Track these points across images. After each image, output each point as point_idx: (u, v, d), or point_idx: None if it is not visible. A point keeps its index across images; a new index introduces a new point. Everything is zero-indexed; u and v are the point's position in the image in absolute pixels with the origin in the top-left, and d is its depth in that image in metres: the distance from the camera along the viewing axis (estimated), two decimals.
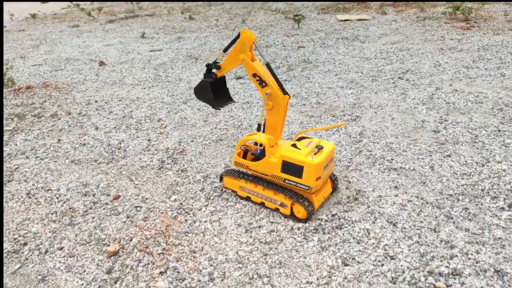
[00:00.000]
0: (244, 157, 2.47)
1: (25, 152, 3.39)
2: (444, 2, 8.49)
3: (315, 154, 2.20)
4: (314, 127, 3.48)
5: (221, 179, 2.66)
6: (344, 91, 4.25)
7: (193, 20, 9.65)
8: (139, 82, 5.09)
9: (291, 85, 4.57)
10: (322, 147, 2.24)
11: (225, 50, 2.29)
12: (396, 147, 3.05)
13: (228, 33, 7.71)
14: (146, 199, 2.63)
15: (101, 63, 6.22)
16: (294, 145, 2.30)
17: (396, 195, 2.49)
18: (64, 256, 2.17)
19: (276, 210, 2.37)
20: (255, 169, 2.38)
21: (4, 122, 4.02)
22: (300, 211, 2.25)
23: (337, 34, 6.71)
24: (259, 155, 2.33)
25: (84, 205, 2.60)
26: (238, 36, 2.18)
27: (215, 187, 2.70)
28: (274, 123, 2.30)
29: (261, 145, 2.34)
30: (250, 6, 10.88)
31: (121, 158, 3.18)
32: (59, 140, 3.57)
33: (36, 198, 2.71)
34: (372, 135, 3.27)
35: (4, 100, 4.72)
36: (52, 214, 2.54)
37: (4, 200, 2.72)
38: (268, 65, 2.20)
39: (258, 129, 2.40)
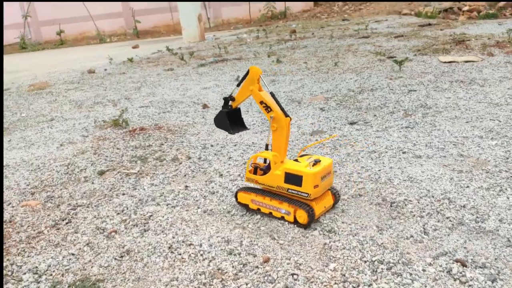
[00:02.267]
0: (255, 173, 2.81)
1: (155, 199, 3.26)
2: None
3: (313, 165, 2.54)
4: (466, 183, 3.01)
5: (236, 196, 2.94)
6: (486, 141, 3.74)
7: (281, 63, 9.63)
8: (248, 126, 4.93)
9: (416, 132, 4.15)
10: (320, 161, 2.57)
11: (238, 84, 2.71)
12: None
13: (322, 76, 7.50)
14: (300, 264, 2.31)
15: (204, 106, 6.23)
16: (296, 160, 2.69)
17: None
18: None
19: (282, 218, 2.71)
20: (263, 182, 2.75)
21: (129, 164, 3.99)
22: (302, 216, 2.56)
23: (448, 76, 6.20)
24: (266, 169, 2.72)
25: (233, 267, 2.34)
26: (247, 72, 2.59)
27: (378, 255, 2.31)
28: (278, 142, 2.65)
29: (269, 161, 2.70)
30: (337, 49, 10.70)
31: (255, 211, 2.92)
32: (186, 186, 3.43)
33: (180, 254, 2.50)
34: None
35: (122, 141, 4.78)
36: (200, 275, 2.30)
37: (146, 253, 2.55)
38: (272, 94, 2.58)
39: (266, 148, 2.81)
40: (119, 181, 3.62)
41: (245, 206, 2.89)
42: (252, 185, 2.88)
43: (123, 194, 3.36)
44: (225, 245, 2.55)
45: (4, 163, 4.52)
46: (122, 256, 2.55)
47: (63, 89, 9.31)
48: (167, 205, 3.14)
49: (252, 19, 23.73)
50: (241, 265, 2.34)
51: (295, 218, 2.60)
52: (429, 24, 13.75)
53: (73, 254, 2.62)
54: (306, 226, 2.59)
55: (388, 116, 4.73)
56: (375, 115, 4.82)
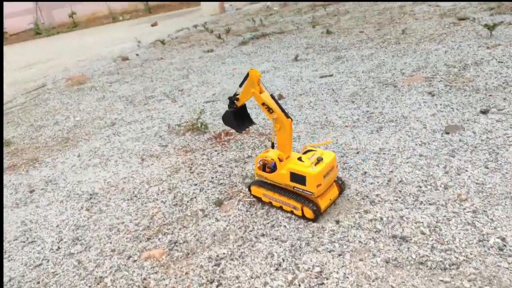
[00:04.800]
0: (264, 169, 2.86)
1: (310, 242, 2.62)
2: None
3: (315, 165, 2.59)
4: None
5: (249, 188, 3.07)
6: None
7: (333, 34, 8.69)
8: (353, 123, 4.20)
9: None
10: (322, 159, 2.62)
11: (240, 85, 2.73)
12: None
13: (396, 48, 6.61)
14: None
15: (280, 97, 5.48)
16: (300, 158, 2.71)
17: None
18: None
19: (291, 212, 2.80)
20: (272, 179, 2.83)
21: (245, 188, 3.33)
22: (308, 212, 2.67)
23: None
24: (273, 168, 2.79)
25: None
26: (247, 75, 2.61)
27: None
28: (283, 141, 2.73)
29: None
30: (389, 13, 9.65)
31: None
32: (336, 221, 2.77)
33: None
34: None
35: (215, 153, 4.11)
36: None
37: None
38: (272, 96, 2.63)
39: (272, 147, 2.88)
40: (246, 215, 2.97)
41: (258, 199, 3.02)
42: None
43: (263, 235, 2.72)
44: None
45: (88, 188, 3.91)
46: None
47: (106, 83, 8.58)
48: (329, 251, 2.49)
49: None
50: None
51: (302, 213, 2.71)
52: None
53: None
54: (313, 220, 2.69)
55: None
56: (505, 99, 4.02)
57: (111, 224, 3.22)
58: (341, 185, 2.90)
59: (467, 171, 2.97)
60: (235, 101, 2.86)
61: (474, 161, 3.07)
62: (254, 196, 3.07)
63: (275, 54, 8.08)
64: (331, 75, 5.98)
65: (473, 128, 3.57)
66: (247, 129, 3.00)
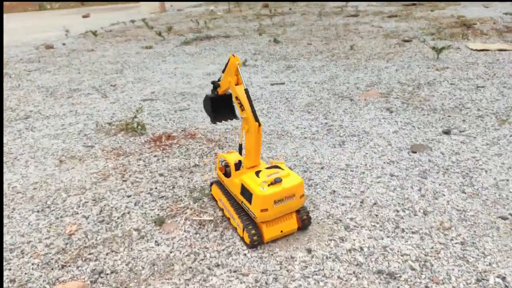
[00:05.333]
0: (225, 171, 2.52)
1: (278, 277, 2.10)
2: None
3: (269, 185, 2.12)
4: None
5: (210, 185, 2.75)
6: None
7: (280, 43, 8.43)
8: (312, 135, 3.81)
9: None
10: (281, 181, 2.13)
11: (223, 71, 2.35)
12: None
13: (346, 62, 6.47)
14: None
15: None
16: (258, 172, 2.25)
17: None
18: None
19: (235, 229, 2.37)
20: (227, 184, 2.47)
21: (193, 204, 2.72)
22: (246, 237, 2.23)
23: (500, 69, 5.44)
24: (227, 174, 2.45)
25: None
26: (229, 60, 2.24)
27: None
28: (248, 146, 2.29)
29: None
30: (334, 29, 9.65)
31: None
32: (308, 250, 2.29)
33: None
34: None
35: (154, 159, 3.44)
36: None
37: None
38: (246, 91, 2.18)
39: (240, 149, 2.53)
40: (196, 239, 2.37)
41: (215, 200, 2.69)
42: None
43: (218, 266, 2.15)
44: None
45: None
46: None
47: (23, 70, 7.39)
48: None
49: None
50: None
51: (243, 234, 2.28)
52: (414, 4, 13.14)
53: None
54: (249, 247, 2.23)
55: (479, 122, 3.84)
56: (464, 121, 3.91)
57: (12, 244, 2.41)
58: (304, 220, 2.34)
59: (444, 195, 2.67)
60: (217, 87, 2.47)
61: (448, 184, 2.80)
62: (213, 197, 2.73)
63: (221, 58, 7.55)
64: (283, 83, 5.61)
65: (440, 149, 3.35)
66: (224, 121, 2.57)
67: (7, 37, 12.17)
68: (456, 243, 2.20)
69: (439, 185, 2.80)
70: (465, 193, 2.68)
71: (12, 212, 2.77)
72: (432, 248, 2.17)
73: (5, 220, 2.66)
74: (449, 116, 4.04)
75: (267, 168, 2.32)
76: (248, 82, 5.74)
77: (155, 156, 3.52)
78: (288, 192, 2.15)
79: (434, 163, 3.12)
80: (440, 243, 2.21)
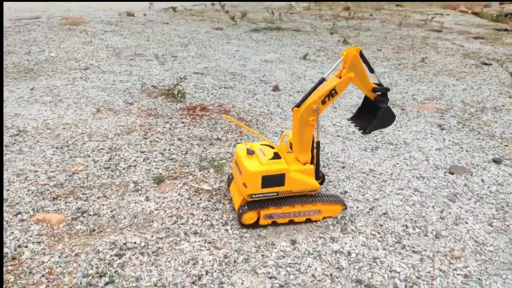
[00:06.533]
0: None
1: (249, 257, 1.96)
2: None
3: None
4: None
5: None
6: None
7: (348, 44, 8.07)
8: (347, 135, 3.57)
9: None
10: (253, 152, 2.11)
11: (372, 71, 2.19)
12: None
13: (411, 73, 6.01)
14: None
15: (275, 88, 4.83)
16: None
17: None
18: None
19: None
20: None
21: (197, 172, 2.66)
22: None
23: None
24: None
25: None
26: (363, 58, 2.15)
27: None
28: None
29: None
30: (411, 40, 9.07)
31: None
32: (292, 241, 2.12)
33: None
34: None
35: (181, 125, 3.43)
36: None
37: None
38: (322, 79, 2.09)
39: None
40: (186, 203, 2.30)
41: None
42: None
43: (195, 233, 2.06)
44: None
45: (21, 123, 3.22)
46: None
47: (100, 30, 7.85)
48: (270, 277, 1.83)
49: None
50: None
51: None
52: (506, 30, 11.95)
53: None
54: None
55: None
56: None
57: (21, 169, 2.53)
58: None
59: (466, 223, 2.34)
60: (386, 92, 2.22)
61: (477, 213, 2.45)
62: None
63: (284, 48, 7.43)
64: None
65: (482, 176, 2.95)
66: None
67: (97, 4, 13.04)
68: (458, 274, 1.91)
69: (466, 211, 2.46)
70: (492, 226, 2.32)
71: (35, 143, 2.90)
72: (428, 272, 1.89)
73: (26, 149, 2.79)
74: (506, 145, 3.57)
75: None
76: (301, 75, 5.56)
77: (182, 122, 3.51)
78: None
79: (470, 188, 2.75)
80: (440, 270, 1.92)
